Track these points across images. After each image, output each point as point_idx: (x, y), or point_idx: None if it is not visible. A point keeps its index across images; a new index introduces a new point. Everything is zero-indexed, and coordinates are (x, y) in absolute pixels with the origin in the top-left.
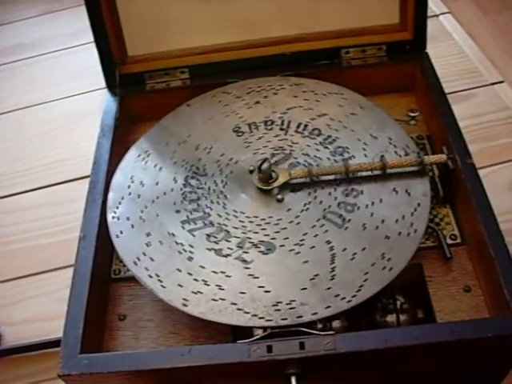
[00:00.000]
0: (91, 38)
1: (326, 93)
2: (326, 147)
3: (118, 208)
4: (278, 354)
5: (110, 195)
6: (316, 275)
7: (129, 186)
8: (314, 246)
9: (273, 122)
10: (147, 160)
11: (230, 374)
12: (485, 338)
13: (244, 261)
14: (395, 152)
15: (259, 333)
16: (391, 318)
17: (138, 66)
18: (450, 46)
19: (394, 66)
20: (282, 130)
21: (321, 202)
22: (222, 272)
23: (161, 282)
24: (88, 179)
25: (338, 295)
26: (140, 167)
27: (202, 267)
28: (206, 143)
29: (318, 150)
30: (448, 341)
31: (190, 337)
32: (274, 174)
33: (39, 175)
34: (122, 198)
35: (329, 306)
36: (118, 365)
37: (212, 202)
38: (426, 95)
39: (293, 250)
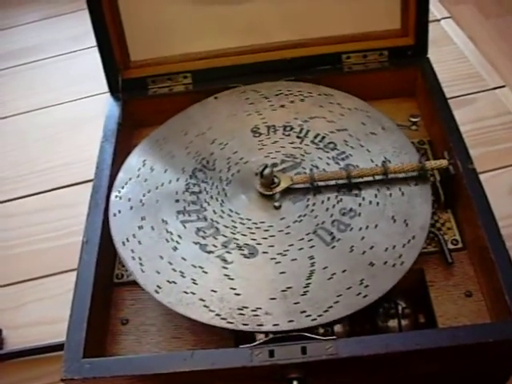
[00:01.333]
0: (94, 42)
1: (352, 108)
2: (337, 163)
3: (123, 188)
4: (280, 358)
5: (120, 175)
6: (289, 287)
7: (139, 169)
8: (295, 259)
9: (292, 129)
10: (163, 147)
11: (232, 378)
12: (486, 343)
13: (224, 260)
14: (404, 178)
15: (261, 337)
16: (393, 322)
17: (141, 70)
18: (452, 50)
19: (395, 71)
20: (298, 137)
21: (316, 216)
22: (201, 267)
23: (141, 265)
24: (91, 183)
25: (304, 312)
26: (154, 152)
27: (184, 259)
28: (223, 138)
29: (328, 164)
30: (449, 346)
31: (193, 341)
32: (275, 179)
33: (42, 179)
34: (130, 179)
35: (291, 321)
36: (120, 369)
37: (211, 198)
38: (427, 100)
39: (274, 258)
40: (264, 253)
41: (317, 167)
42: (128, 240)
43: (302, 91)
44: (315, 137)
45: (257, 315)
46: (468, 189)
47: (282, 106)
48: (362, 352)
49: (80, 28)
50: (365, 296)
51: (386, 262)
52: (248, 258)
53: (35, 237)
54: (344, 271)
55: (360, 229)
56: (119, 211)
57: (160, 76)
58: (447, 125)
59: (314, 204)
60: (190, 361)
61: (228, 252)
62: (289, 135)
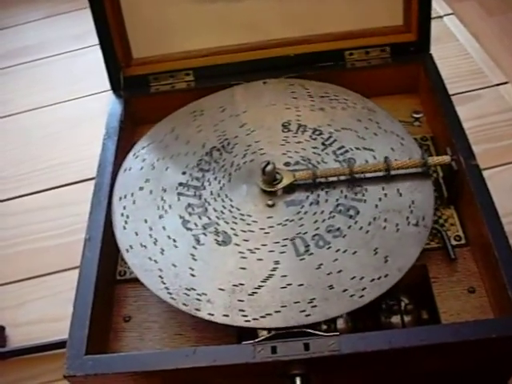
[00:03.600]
0: (96, 40)
1: (389, 130)
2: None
3: (142, 149)
4: (282, 354)
5: (144, 138)
6: (241, 284)
7: (165, 135)
8: (261, 259)
9: (320, 134)
10: (197, 119)
11: (235, 374)
12: (489, 339)
13: (197, 240)
14: (412, 223)
15: (264, 334)
16: (396, 319)
17: (143, 68)
18: (454, 47)
19: (397, 68)
20: (323, 144)
21: (302, 225)
22: (174, 240)
23: (126, 223)
24: (93, 181)
25: (243, 311)
26: (186, 123)
27: (164, 228)
28: (252, 125)
29: (338, 178)
30: (452, 342)
31: (195, 338)
32: (278, 176)
33: (44, 177)
34: (152, 143)
35: (226, 315)
36: (123, 366)
37: (215, 179)
38: (430, 96)
39: (242, 253)
40: (236, 245)
41: (326, 179)
42: (125, 197)
43: (348, 100)
44: (339, 148)
45: (199, 300)
46: (471, 185)
47: (322, 109)
48: (364, 348)
49: (82, 26)
50: (307, 315)
51: (345, 290)
52: (219, 244)
53: (37, 235)
54: (300, 285)
55: (337, 250)
56: (130, 168)
57: (162, 73)
58: (450, 121)
59: (305, 212)
60: (193, 357)
61: (204, 234)
62: (315, 139)
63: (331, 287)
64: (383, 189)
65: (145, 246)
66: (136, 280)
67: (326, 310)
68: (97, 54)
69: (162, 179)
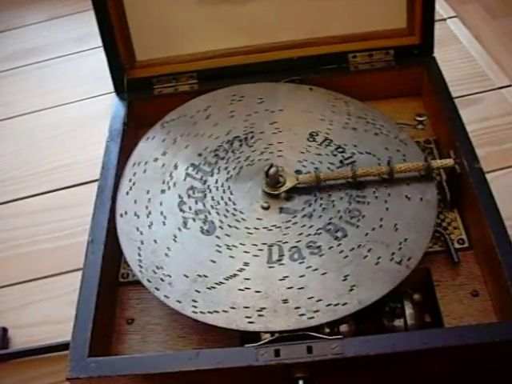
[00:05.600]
0: (99, 42)
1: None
2: (350, 202)
3: (172, 121)
4: (285, 358)
5: (177, 110)
6: (205, 276)
7: (198, 111)
8: (233, 257)
9: (342, 152)
10: (233, 103)
11: (238, 378)
12: (493, 343)
13: (185, 224)
14: (395, 260)
15: (267, 337)
16: (399, 322)
17: (146, 70)
18: (458, 49)
19: (401, 71)
20: (340, 162)
21: (285, 234)
22: (165, 218)
23: (130, 189)
24: (97, 183)
25: (195, 301)
26: (222, 105)
27: (160, 204)
28: (282, 126)
29: (341, 197)
30: (455, 345)
31: (198, 340)
32: (281, 179)
33: (48, 179)
34: (183, 117)
35: (179, 301)
36: (126, 368)
37: (225, 169)
38: (433, 99)
39: (219, 246)
40: (217, 237)
41: (329, 195)
42: (139, 164)
43: (383, 127)
44: (353, 171)
45: (162, 280)
46: (474, 188)
47: (354, 129)
48: (368, 351)
49: (86, 28)
50: (250, 322)
51: (297, 308)
52: (202, 233)
53: (41, 236)
54: (257, 291)
55: (308, 267)
56: (153, 137)
57: (165, 76)
58: (453, 124)
59: (295, 223)
60: (196, 360)
61: (193, 219)
62: (335, 155)
63: (285, 301)
64: (381, 219)
65: (138, 216)
66: (139, 282)
67: (270, 322)
68: (100, 56)
69: (178, 156)
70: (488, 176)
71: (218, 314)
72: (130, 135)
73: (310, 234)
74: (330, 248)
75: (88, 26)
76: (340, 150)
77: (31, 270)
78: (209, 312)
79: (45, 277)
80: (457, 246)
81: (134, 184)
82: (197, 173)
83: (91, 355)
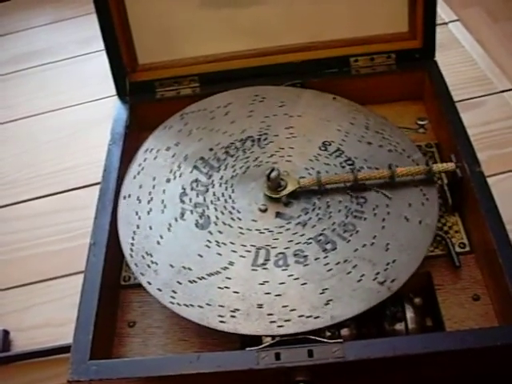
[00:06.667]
0: (102, 45)
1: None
2: (346, 216)
3: (192, 113)
4: (286, 361)
5: (198, 103)
6: (189, 269)
7: (218, 107)
8: (220, 254)
9: (352, 164)
10: (255, 103)
11: (239, 381)
12: (494, 347)
13: (182, 215)
14: (378, 280)
15: (268, 340)
16: (400, 326)
17: (149, 74)
18: (459, 53)
19: (402, 74)
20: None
21: (276, 239)
22: (165, 207)
23: (138, 174)
24: (99, 186)
25: (175, 292)
26: (242, 104)
27: (163, 192)
28: (297, 131)
29: (346, 215)
30: (457, 349)
31: (199, 344)
32: (282, 183)
33: (51, 182)
34: (202, 110)
35: (160, 290)
36: (127, 371)
37: (232, 166)
38: (434, 103)
39: (209, 242)
40: (209, 232)
41: (328, 206)
42: (151, 151)
43: (399, 145)
44: (360, 185)
45: (149, 266)
46: (476, 192)
47: (369, 143)
48: (369, 355)
49: (88, 31)
50: (221, 321)
51: (270, 314)
52: (196, 226)
53: (43, 239)
54: (235, 292)
55: (290, 275)
56: (170, 127)
57: (167, 79)
58: (455, 128)
59: (287, 229)
60: (196, 363)
61: (191, 212)
62: (343, 167)
63: (260, 306)
64: (374, 237)
65: (139, 200)
66: (140, 286)
67: (239, 324)
68: (103, 59)
69: (190, 147)
70: (489, 180)
71: (193, 309)
72: (131, 138)
73: (299, 243)
74: (316, 259)
75: (92, 28)
76: (349, 162)
77: (34, 272)
78: (185, 305)
79: (47, 279)
80: (458, 249)
81: (142, 169)
82: (204, 167)
83: (92, 358)
